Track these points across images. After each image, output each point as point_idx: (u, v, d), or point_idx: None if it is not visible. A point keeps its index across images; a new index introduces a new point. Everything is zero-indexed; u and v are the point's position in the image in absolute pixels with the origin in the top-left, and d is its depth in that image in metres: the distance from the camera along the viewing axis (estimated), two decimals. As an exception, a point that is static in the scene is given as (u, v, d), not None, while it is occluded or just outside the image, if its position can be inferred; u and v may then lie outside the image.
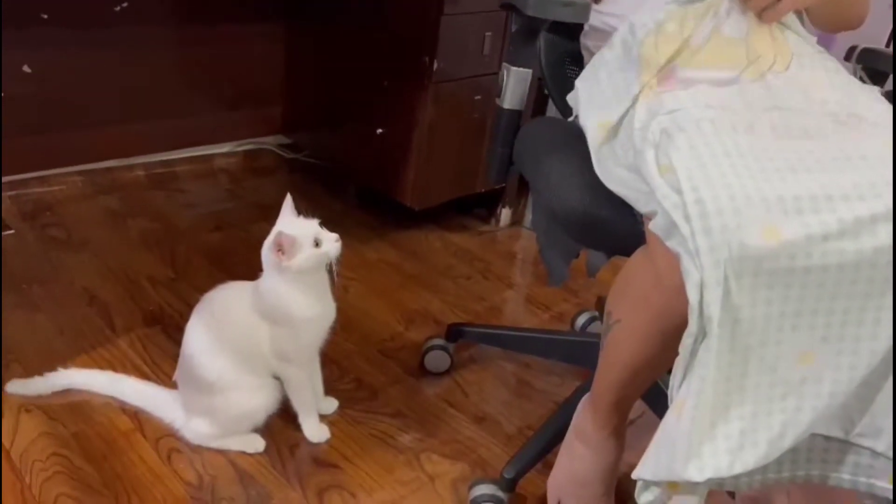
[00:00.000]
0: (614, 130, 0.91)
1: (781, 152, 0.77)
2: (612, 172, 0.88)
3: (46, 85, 1.81)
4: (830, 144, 0.80)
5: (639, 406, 1.34)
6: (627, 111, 0.90)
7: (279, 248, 1.09)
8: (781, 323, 0.74)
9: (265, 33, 2.19)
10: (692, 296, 0.73)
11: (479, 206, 2.18)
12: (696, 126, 0.80)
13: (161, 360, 1.38)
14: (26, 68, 1.74)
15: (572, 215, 0.94)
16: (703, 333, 0.75)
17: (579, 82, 1.02)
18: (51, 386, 1.24)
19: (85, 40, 1.85)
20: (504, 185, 2.10)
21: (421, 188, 1.92)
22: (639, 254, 0.87)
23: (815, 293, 0.73)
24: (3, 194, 1.87)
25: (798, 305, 0.73)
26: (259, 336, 1.15)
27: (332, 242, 1.12)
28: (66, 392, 1.27)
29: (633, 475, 0.82)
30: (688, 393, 0.75)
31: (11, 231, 1.75)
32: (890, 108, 0.94)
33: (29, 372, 1.31)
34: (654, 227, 0.78)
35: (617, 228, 0.93)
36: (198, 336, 1.15)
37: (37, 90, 1.79)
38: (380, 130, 1.92)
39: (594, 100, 0.99)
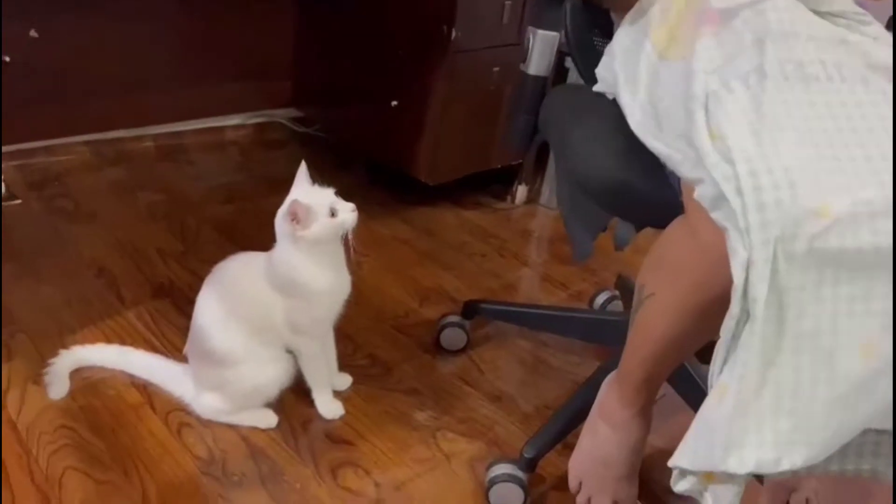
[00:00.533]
0: (647, 91, 0.86)
1: (836, 117, 0.72)
2: (653, 132, 0.83)
3: (54, 52, 1.76)
4: (880, 113, 0.74)
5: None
6: (656, 70, 0.84)
7: (294, 217, 1.05)
8: (835, 308, 0.69)
9: (277, 2, 2.14)
10: (737, 275, 0.69)
11: (495, 183, 2.14)
12: (746, 84, 0.75)
13: (170, 333, 1.35)
14: (33, 33, 1.70)
15: (603, 183, 0.90)
16: (746, 315, 0.70)
17: (609, 52, 0.97)
18: (65, 367, 1.19)
19: (94, 6, 1.80)
20: (521, 160, 2.05)
21: (435, 163, 1.87)
22: (677, 224, 0.82)
23: (869, 275, 0.68)
24: (9, 164, 1.83)
25: (851, 289, 0.69)
26: (272, 308, 1.11)
27: (348, 212, 1.08)
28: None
29: (670, 463, 0.78)
30: (730, 378, 0.71)
31: (18, 201, 1.72)
32: None
33: (35, 343, 1.28)
34: (699, 196, 0.73)
35: (650, 197, 0.88)
36: (209, 308, 1.12)
37: (44, 57, 1.75)
38: (394, 103, 1.87)
39: (623, 66, 0.94)
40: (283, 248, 1.10)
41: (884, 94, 0.77)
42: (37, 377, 1.20)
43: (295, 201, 1.04)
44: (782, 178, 0.67)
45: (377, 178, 2.08)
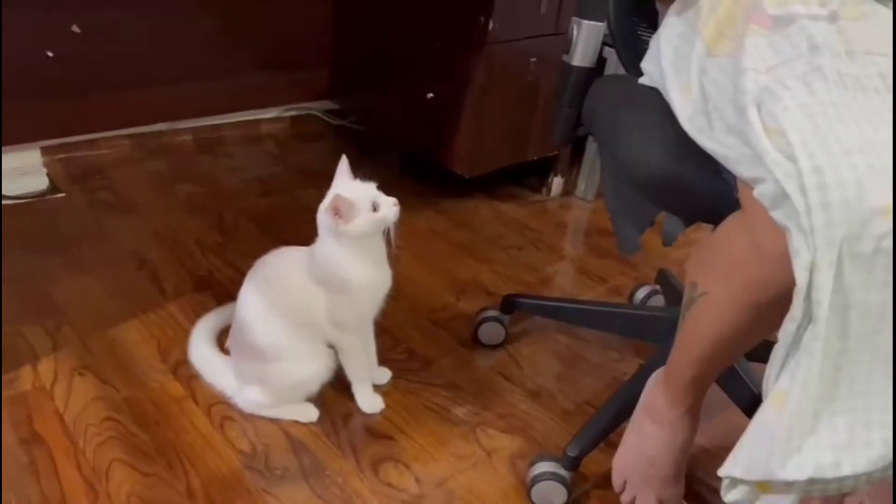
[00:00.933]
0: (698, 87, 0.84)
1: (887, 109, 0.69)
2: (706, 131, 0.81)
3: (96, 47, 1.78)
4: None
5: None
6: (705, 66, 0.82)
7: (336, 212, 1.04)
8: None
9: (313, -6, 2.13)
10: (800, 278, 0.66)
11: (530, 175, 2.11)
12: (803, 81, 0.72)
13: (212, 326, 1.36)
14: (75, 28, 1.71)
15: (652, 176, 0.87)
16: (808, 319, 0.68)
17: (654, 45, 0.94)
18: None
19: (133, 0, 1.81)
20: (557, 152, 2.03)
21: (473, 155, 1.86)
22: (732, 220, 0.79)
23: None
24: (53, 158, 1.86)
25: None
26: (314, 303, 1.11)
27: (390, 206, 1.07)
28: (119, 356, 1.26)
29: (721, 472, 0.76)
30: (791, 385, 0.69)
31: (62, 194, 1.74)
32: None
33: (80, 334, 1.29)
34: (759, 195, 0.71)
35: (702, 191, 0.86)
36: (252, 303, 1.12)
37: (86, 52, 1.76)
38: (430, 95, 1.86)
39: (669, 56, 0.91)
40: (325, 242, 1.09)
41: None
42: (82, 369, 1.22)
43: (337, 196, 1.04)
44: (849, 176, 0.65)
45: (410, 170, 2.07)
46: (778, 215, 0.69)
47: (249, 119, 2.18)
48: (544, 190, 2.11)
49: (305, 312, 1.11)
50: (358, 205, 1.04)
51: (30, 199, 1.70)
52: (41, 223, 1.63)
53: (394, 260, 1.64)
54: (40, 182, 1.74)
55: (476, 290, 1.61)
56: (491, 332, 1.41)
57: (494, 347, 1.42)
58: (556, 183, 2.09)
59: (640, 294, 1.57)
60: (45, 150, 1.81)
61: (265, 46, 2.10)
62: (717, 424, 1.26)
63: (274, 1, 2.06)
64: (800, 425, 0.70)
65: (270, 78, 2.16)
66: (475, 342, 1.43)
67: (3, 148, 1.68)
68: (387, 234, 1.10)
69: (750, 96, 0.74)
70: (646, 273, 1.72)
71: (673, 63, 0.88)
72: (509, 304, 1.42)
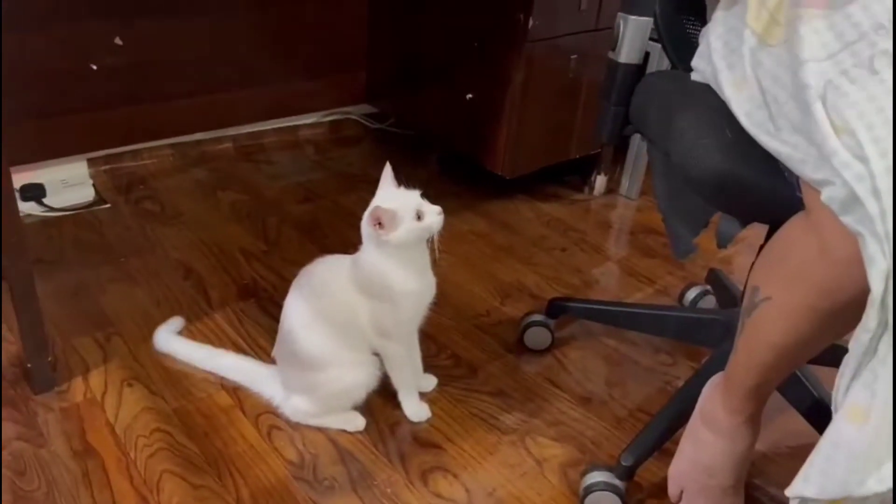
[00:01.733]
0: (755, 82, 0.80)
1: None
2: (767, 128, 0.77)
3: (137, 58, 1.80)
4: None
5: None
6: (762, 54, 0.77)
7: (377, 222, 1.03)
8: None
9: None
10: (876, 286, 0.62)
11: (571, 174, 2.08)
12: (870, 69, 0.67)
13: (257, 334, 1.36)
14: (118, 40, 1.74)
15: (709, 176, 0.84)
16: (883, 328, 0.64)
17: (703, 41, 0.90)
18: (160, 345, 1.28)
19: (171, 11, 1.83)
20: (600, 150, 1.98)
21: (513, 155, 1.83)
22: (797, 222, 0.75)
23: None
24: (99, 169, 1.88)
25: None
26: (359, 311, 1.10)
27: (434, 215, 1.05)
28: (166, 366, 1.27)
29: (790, 493, 0.72)
30: (872, 399, 0.65)
31: (108, 205, 1.77)
32: None
33: (129, 344, 1.31)
34: (828, 199, 0.66)
35: (762, 192, 0.82)
36: (297, 311, 1.11)
37: (128, 63, 1.79)
38: (469, 95, 1.84)
39: (721, 51, 0.87)
40: (369, 250, 1.08)
41: None
42: (131, 380, 1.23)
43: (377, 208, 1.02)
44: None
45: (450, 171, 2.05)
46: (849, 220, 0.65)
47: (289, 125, 2.19)
48: (587, 189, 2.07)
49: (350, 320, 1.10)
50: (400, 214, 1.03)
51: (77, 211, 1.73)
52: (88, 234, 1.65)
53: (435, 265, 1.64)
54: (87, 193, 1.77)
55: (520, 293, 1.58)
56: (537, 337, 1.38)
57: (541, 353, 1.39)
58: (600, 181, 2.05)
59: (691, 295, 1.52)
60: (90, 162, 1.83)
61: (302, 52, 2.10)
62: (775, 429, 1.22)
63: (309, 6, 2.06)
64: (883, 440, 0.66)
65: (308, 84, 2.16)
66: (521, 347, 1.40)
67: (51, 161, 1.72)
68: (430, 241, 1.08)
69: (812, 90, 0.70)
70: (694, 273, 1.67)
71: (725, 58, 0.84)
72: (555, 308, 1.39)
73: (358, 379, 1.13)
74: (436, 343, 1.39)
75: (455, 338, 1.42)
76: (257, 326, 1.38)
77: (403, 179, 1.09)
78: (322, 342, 1.10)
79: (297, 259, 1.18)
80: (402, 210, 1.03)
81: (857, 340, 0.66)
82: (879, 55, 0.68)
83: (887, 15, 0.71)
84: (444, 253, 1.70)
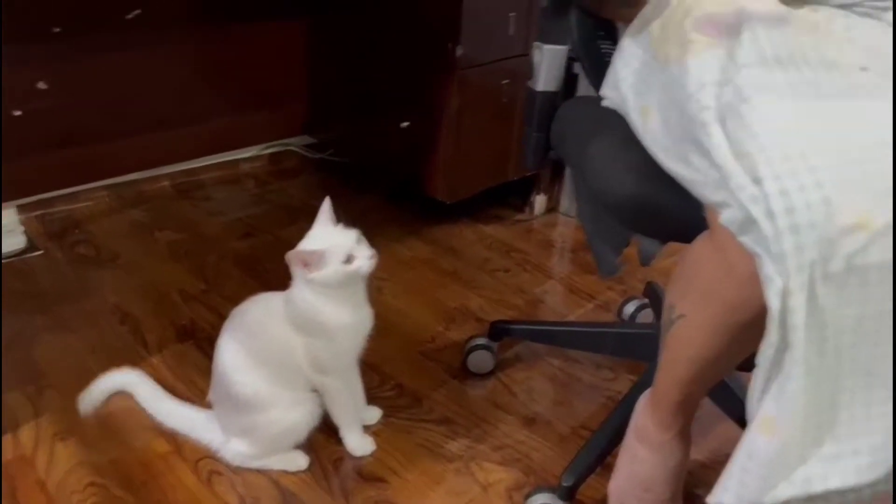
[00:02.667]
0: (658, 110, 0.83)
1: (866, 123, 0.68)
2: (669, 152, 0.79)
3: (64, 100, 1.77)
4: None
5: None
6: (668, 84, 0.80)
7: (302, 263, 1.03)
8: (878, 324, 0.65)
9: (283, 30, 2.13)
10: (773, 304, 0.65)
11: (513, 195, 2.10)
12: (765, 94, 0.70)
13: (196, 376, 1.34)
14: (42, 85, 1.71)
15: (623, 201, 0.86)
16: (785, 343, 0.66)
17: (612, 69, 0.93)
18: (101, 392, 1.22)
19: (99, 50, 1.81)
20: (538, 170, 2.02)
21: (452, 180, 1.85)
22: (702, 241, 0.78)
23: None
24: (30, 215, 1.84)
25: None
26: (294, 348, 1.09)
27: (365, 260, 1.05)
28: (101, 416, 1.23)
29: (710, 500, 0.74)
30: (778, 410, 0.67)
31: (40, 252, 1.73)
32: None
33: (64, 396, 1.27)
34: (726, 221, 0.69)
35: (674, 213, 0.84)
36: (230, 353, 1.10)
37: (55, 106, 1.76)
38: (405, 123, 1.85)
39: (625, 80, 0.90)
40: (299, 286, 1.08)
41: None
42: (64, 433, 1.20)
43: (299, 252, 1.03)
44: (815, 197, 0.63)
45: (395, 198, 2.06)
46: (747, 240, 0.68)
47: (227, 160, 2.17)
48: (528, 209, 2.09)
49: (286, 359, 1.09)
50: (328, 255, 1.02)
51: (8, 259, 1.68)
52: (20, 283, 1.61)
53: (379, 292, 1.64)
54: (17, 241, 1.72)
55: (465, 317, 1.59)
56: (480, 360, 1.39)
57: (486, 376, 1.40)
58: (539, 201, 2.08)
59: (629, 309, 1.56)
60: (20, 209, 1.79)
61: (239, 86, 2.10)
62: (712, 438, 1.24)
63: (245, 39, 2.06)
64: (792, 449, 0.68)
65: (246, 117, 2.15)
66: (466, 372, 1.41)
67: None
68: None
69: (710, 113, 0.73)
70: (633, 286, 1.71)
71: (633, 85, 0.87)
72: (497, 331, 1.40)
73: (298, 418, 1.12)
74: (379, 374, 1.38)
75: (399, 367, 1.41)
76: (196, 369, 1.36)
77: (342, 215, 1.08)
78: (258, 383, 1.09)
79: (237, 297, 1.17)
80: (330, 251, 1.02)
81: (763, 354, 0.69)
82: (773, 80, 0.71)
83: (779, 42, 0.75)
84: (388, 281, 1.71)
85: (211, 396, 1.17)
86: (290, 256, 1.04)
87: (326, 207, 1.07)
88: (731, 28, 0.76)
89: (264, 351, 1.09)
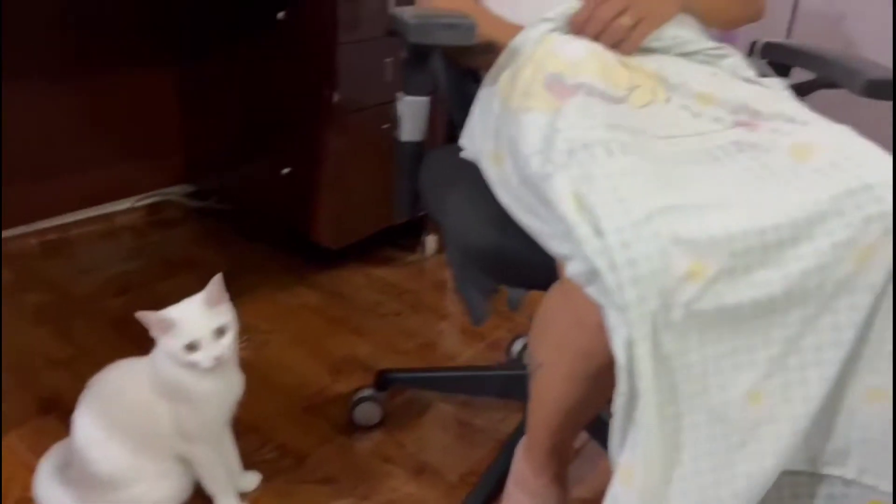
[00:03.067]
0: (509, 160, 0.84)
1: (693, 180, 0.71)
2: (519, 204, 0.81)
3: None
4: (736, 167, 0.74)
5: (583, 435, 1.28)
6: (515, 135, 0.82)
7: (161, 331, 0.98)
8: (720, 365, 0.68)
9: (158, 79, 2.07)
10: (620, 355, 0.66)
11: (404, 236, 2.10)
12: (606, 149, 0.73)
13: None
14: None
15: (480, 251, 0.86)
16: (634, 392, 0.68)
17: (468, 123, 0.95)
18: None
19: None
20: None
21: (337, 225, 1.82)
22: (555, 291, 0.79)
23: (749, 328, 0.67)
24: None
25: (734, 343, 0.68)
26: (158, 416, 1.03)
27: (209, 358, 0.98)
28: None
29: None
30: (634, 459, 0.68)
31: None
32: (795, 104, 0.90)
33: None
34: (572, 274, 0.70)
35: (530, 263, 0.85)
36: (87, 425, 1.03)
37: None
38: (286, 170, 1.82)
39: (480, 130, 0.92)
40: (163, 354, 1.02)
41: (751, 147, 0.77)
42: None
43: (146, 314, 0.98)
44: (654, 247, 0.65)
45: (282, 244, 2.02)
46: (592, 291, 0.69)
47: (101, 213, 2.07)
48: (419, 249, 2.09)
49: (150, 428, 1.03)
50: (174, 332, 0.97)
51: None
52: None
53: (263, 346, 1.59)
54: None
55: (353, 367, 1.56)
56: (367, 412, 1.36)
57: (374, 428, 1.37)
58: (430, 241, 2.09)
59: (517, 347, 1.57)
60: None
61: (112, 136, 2.01)
62: (595, 476, 1.26)
63: (117, 89, 1.98)
64: (649, 497, 0.69)
65: (121, 168, 2.06)
66: (353, 426, 1.37)
67: None
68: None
69: (553, 167, 0.74)
70: (522, 323, 1.73)
71: (485, 136, 0.88)
72: (383, 381, 1.38)
73: (166, 492, 1.06)
74: (260, 435, 1.33)
75: (282, 426, 1.36)
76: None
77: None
78: (119, 457, 1.02)
79: (108, 361, 1.10)
80: (178, 329, 0.97)
81: (617, 404, 0.70)
82: (614, 143, 0.73)
83: (610, 118, 0.78)
84: (273, 333, 1.66)
85: (70, 475, 1.08)
86: (140, 315, 0.98)
87: (216, 282, 1.00)
88: (575, 91, 0.79)
89: (125, 420, 1.03)
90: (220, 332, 0.98)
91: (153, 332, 0.98)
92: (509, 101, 0.85)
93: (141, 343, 1.11)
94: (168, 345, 0.97)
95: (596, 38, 0.89)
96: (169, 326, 0.96)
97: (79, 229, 2.03)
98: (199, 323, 0.97)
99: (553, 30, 0.91)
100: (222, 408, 1.06)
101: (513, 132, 0.82)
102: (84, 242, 2.00)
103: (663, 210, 0.68)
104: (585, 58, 0.82)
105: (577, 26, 0.91)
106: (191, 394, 1.02)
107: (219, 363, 0.98)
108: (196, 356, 0.97)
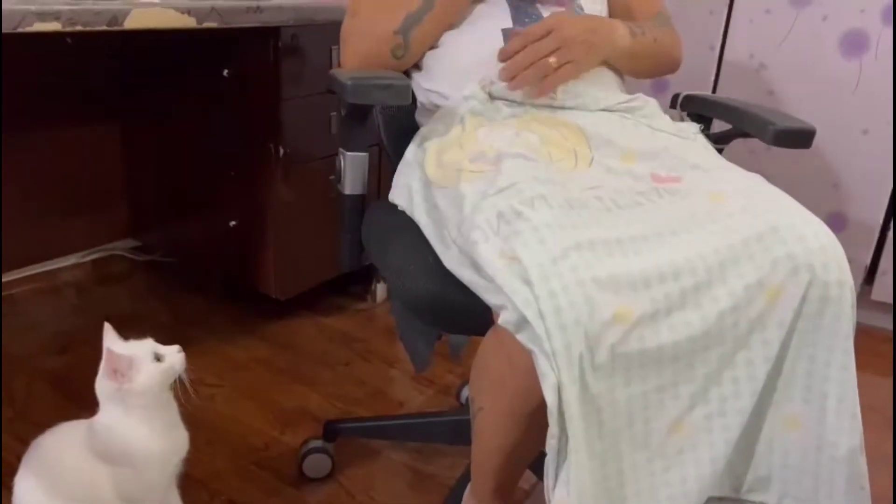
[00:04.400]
0: (442, 220, 0.89)
1: (617, 226, 0.76)
2: (455, 261, 0.85)
3: None
4: (655, 210, 0.80)
5: (532, 476, 1.30)
6: (446, 206, 0.87)
7: (115, 373, 0.97)
8: (646, 401, 0.72)
9: (101, 135, 2.06)
10: (550, 399, 0.70)
11: (353, 284, 2.12)
12: (531, 206, 0.77)
13: (-4, 520, 1.21)
14: None
15: (421, 302, 0.89)
16: (565, 433, 0.71)
17: (396, 181, 1.01)
18: None
19: None
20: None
21: (284, 276, 1.83)
22: (490, 337, 0.83)
23: (673, 367, 0.72)
24: None
25: (658, 381, 0.72)
26: (99, 480, 1.01)
27: (174, 354, 1.01)
28: None
29: None
30: (567, 497, 0.71)
31: None
32: (709, 154, 0.97)
33: None
34: (504, 322, 0.74)
35: (470, 310, 0.88)
36: (28, 491, 1.00)
37: None
38: (233, 223, 1.83)
39: (414, 187, 0.97)
40: (107, 411, 1.01)
41: (667, 197, 0.83)
42: None
43: (110, 352, 0.97)
44: (578, 294, 0.69)
45: (230, 296, 2.01)
46: (523, 338, 0.72)
47: (43, 270, 2.03)
48: (369, 297, 2.11)
49: (90, 493, 1.01)
50: (137, 359, 0.98)
51: None
52: None
53: (209, 401, 1.57)
54: None
55: (302, 418, 1.55)
56: (316, 464, 1.36)
57: (324, 480, 1.37)
58: (380, 289, 2.11)
59: (466, 392, 1.58)
60: None
61: (53, 192, 1.99)
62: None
63: (58, 145, 1.97)
64: None
65: (65, 224, 2.04)
66: (303, 478, 1.36)
67: None
68: (177, 386, 1.04)
69: (479, 233, 0.78)
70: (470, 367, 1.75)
71: (419, 193, 0.92)
72: (332, 431, 1.38)
73: (110, 555, 1.03)
74: (207, 490, 1.31)
75: (229, 481, 1.35)
76: (-3, 511, 1.23)
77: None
78: (60, 523, 1.00)
79: (49, 422, 1.08)
80: (137, 355, 0.99)
81: (549, 445, 0.73)
82: (538, 198, 0.78)
83: (532, 173, 0.83)
84: (220, 387, 1.65)
85: (4, 545, 1.05)
86: (102, 371, 0.98)
87: (108, 331, 1.03)
88: (496, 161, 0.85)
89: (65, 486, 1.00)
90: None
91: (118, 379, 0.98)
92: (437, 173, 0.91)
93: (81, 401, 1.10)
94: (141, 377, 0.99)
95: (524, 68, 0.95)
96: (128, 360, 0.98)
97: (19, 288, 1.99)
98: (142, 344, 1.02)
99: (474, 106, 0.98)
100: (166, 469, 1.05)
101: (445, 202, 0.87)
102: (27, 300, 1.96)
103: (580, 245, 0.72)
104: (510, 143, 0.89)
105: (508, 55, 0.97)
106: (133, 456, 1.00)
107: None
108: (169, 361, 1.00)
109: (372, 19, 1.09)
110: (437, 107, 1.08)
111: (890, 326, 2.02)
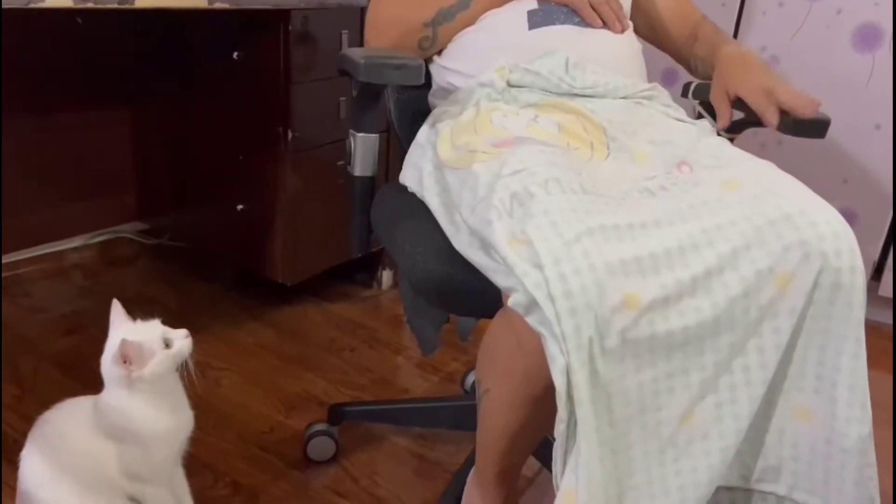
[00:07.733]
0: (455, 207, 0.88)
1: (630, 213, 0.76)
2: (465, 243, 0.84)
3: None
4: (668, 199, 0.79)
5: (536, 464, 1.30)
6: (458, 187, 0.87)
7: (125, 360, 0.97)
8: (656, 388, 0.71)
9: (110, 117, 2.06)
10: (558, 382, 0.69)
11: (360, 271, 2.12)
12: (545, 189, 0.77)
13: (8, 501, 1.21)
14: None
15: (431, 284, 0.89)
16: (574, 418, 0.70)
17: (408, 160, 1.01)
18: None
19: None
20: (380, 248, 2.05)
21: (291, 262, 1.83)
22: (499, 319, 0.82)
23: (682, 353, 0.71)
24: None
25: (668, 368, 0.71)
26: (106, 459, 1.01)
27: (182, 339, 1.01)
28: None
29: None
30: (576, 484, 0.71)
31: None
32: (722, 143, 0.96)
33: None
34: (513, 304, 0.73)
35: (479, 291, 0.88)
36: (33, 469, 1.01)
37: None
38: (240, 207, 1.83)
39: (426, 169, 0.97)
40: (113, 392, 1.01)
41: (687, 183, 0.82)
42: None
43: (124, 341, 0.97)
44: (589, 279, 0.69)
45: (237, 281, 2.01)
46: (532, 321, 0.72)
47: (51, 251, 2.04)
48: (375, 284, 2.11)
49: (97, 471, 1.01)
50: (147, 346, 0.98)
51: None
52: None
53: (216, 385, 1.57)
54: None
55: (307, 403, 1.56)
56: (320, 447, 1.36)
57: (328, 463, 1.37)
58: (386, 276, 2.11)
59: (470, 379, 1.59)
60: None
61: (64, 174, 1.99)
62: (552, 501, 1.27)
63: (70, 127, 1.98)
64: None
65: (73, 205, 2.04)
66: (307, 461, 1.37)
67: None
68: (184, 369, 1.04)
69: (494, 212, 0.78)
70: (476, 355, 1.74)
71: (431, 175, 0.92)
72: (336, 415, 1.38)
73: (115, 532, 1.04)
74: (213, 472, 1.31)
75: (235, 463, 1.35)
76: (9, 489, 1.23)
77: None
78: (69, 499, 1.00)
79: (56, 402, 1.08)
80: (147, 341, 0.99)
81: (557, 430, 0.73)
82: (552, 181, 0.78)
83: (548, 158, 0.82)
84: (227, 371, 1.65)
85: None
86: (111, 356, 0.98)
87: (116, 308, 1.03)
88: (514, 143, 0.84)
89: (71, 462, 1.01)
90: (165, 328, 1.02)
91: (128, 366, 0.97)
92: (452, 155, 0.90)
93: (89, 381, 1.10)
94: (151, 365, 0.98)
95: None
96: (139, 347, 0.97)
97: (27, 268, 1.99)
98: (151, 327, 1.01)
99: (490, 93, 0.98)
100: (172, 447, 1.05)
101: (457, 183, 0.87)
102: (34, 281, 1.96)
103: (592, 230, 0.72)
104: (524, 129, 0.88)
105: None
106: (139, 434, 1.01)
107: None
108: (178, 346, 1.00)
109: (404, 5, 1.09)
110: (454, 88, 1.08)
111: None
